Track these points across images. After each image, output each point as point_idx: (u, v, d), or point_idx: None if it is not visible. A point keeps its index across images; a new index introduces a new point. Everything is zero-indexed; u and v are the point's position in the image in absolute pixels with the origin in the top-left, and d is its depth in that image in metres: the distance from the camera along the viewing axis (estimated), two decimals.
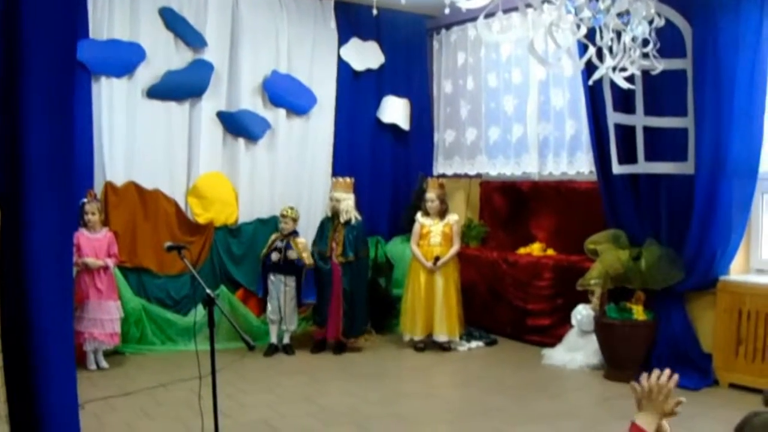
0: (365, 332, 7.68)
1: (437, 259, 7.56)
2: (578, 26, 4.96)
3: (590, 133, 7.17)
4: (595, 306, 6.88)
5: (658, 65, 5.51)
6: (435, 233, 7.65)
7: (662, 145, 6.59)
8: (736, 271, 6.54)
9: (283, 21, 8.31)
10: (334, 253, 7.48)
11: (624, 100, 6.61)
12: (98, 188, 7.22)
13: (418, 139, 9.50)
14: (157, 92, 7.54)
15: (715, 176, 6.22)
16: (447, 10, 5.03)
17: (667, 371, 2.49)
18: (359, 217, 7.64)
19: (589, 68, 5.65)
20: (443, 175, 9.23)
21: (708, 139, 6.23)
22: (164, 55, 7.59)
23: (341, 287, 7.47)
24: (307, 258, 7.46)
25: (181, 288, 7.71)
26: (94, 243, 6.74)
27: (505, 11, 5.75)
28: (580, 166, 7.80)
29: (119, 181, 7.41)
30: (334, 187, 7.71)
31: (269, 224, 7.96)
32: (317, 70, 8.63)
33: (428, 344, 7.69)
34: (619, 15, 4.93)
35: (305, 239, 7.70)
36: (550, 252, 8.01)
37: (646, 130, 6.60)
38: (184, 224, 7.80)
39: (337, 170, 8.48)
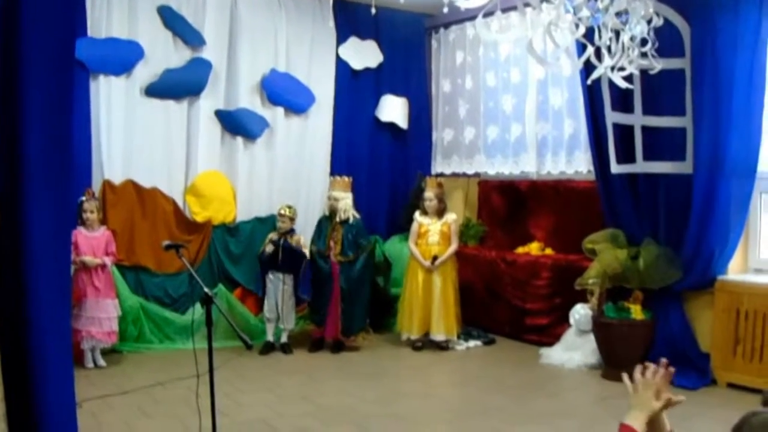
0: (363, 331, 7.66)
1: (435, 258, 7.56)
2: (577, 26, 4.96)
3: (588, 132, 7.17)
4: (593, 305, 6.89)
5: (657, 65, 5.51)
6: (433, 232, 7.65)
7: (660, 144, 6.59)
8: (734, 271, 6.55)
9: (282, 20, 8.31)
10: (333, 252, 7.48)
11: (622, 100, 6.61)
12: (96, 186, 7.22)
13: (417, 138, 9.50)
14: (156, 91, 7.54)
15: (713, 176, 6.23)
16: (446, 9, 5.02)
17: (654, 366, 2.45)
18: (357, 216, 7.64)
19: (588, 68, 5.65)
20: (441, 174, 9.24)
21: (706, 138, 6.24)
22: (163, 54, 7.59)
23: (339, 286, 7.46)
24: (305, 248, 7.48)
25: (179, 286, 7.71)
26: (91, 241, 6.74)
27: (504, 10, 5.74)
28: (579, 165, 7.80)
29: (117, 179, 7.41)
30: (332, 186, 7.71)
31: (267, 223, 7.96)
32: (316, 69, 8.63)
33: (426, 343, 7.69)
34: (618, 14, 4.93)
35: (303, 237, 7.70)
36: (549, 251, 8.02)
37: (645, 129, 6.60)
38: (182, 223, 7.80)
39: (336, 169, 8.48)
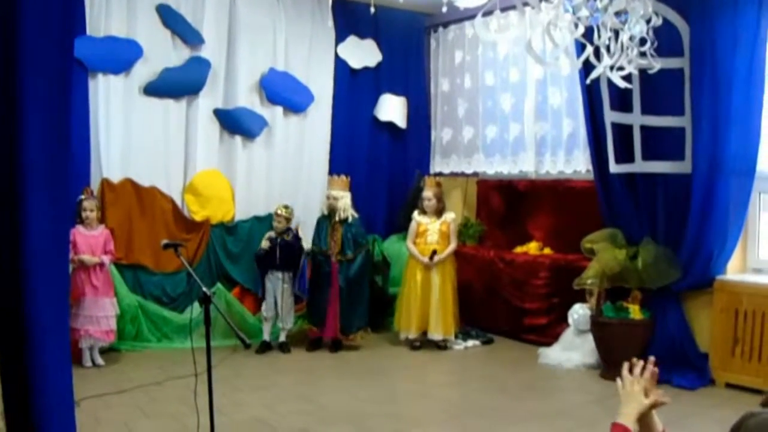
0: (361, 329, 7.66)
1: (434, 252, 7.54)
2: (576, 25, 4.96)
3: (587, 132, 7.17)
4: (591, 305, 6.89)
5: (656, 64, 5.51)
6: (432, 231, 7.65)
7: (659, 144, 6.59)
8: (733, 271, 6.55)
9: (281, 19, 8.31)
10: (332, 252, 7.48)
11: (621, 99, 6.62)
12: (95, 185, 7.22)
13: (415, 138, 9.50)
14: (154, 89, 7.53)
15: (712, 175, 6.23)
16: (445, 9, 5.03)
17: (642, 363, 2.46)
18: (356, 215, 7.64)
19: (587, 67, 5.65)
20: (440, 174, 9.24)
21: (705, 138, 6.24)
22: (161, 53, 7.58)
23: (339, 286, 7.46)
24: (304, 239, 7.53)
25: (178, 285, 7.71)
26: (90, 240, 6.74)
27: (503, 10, 5.75)
28: (577, 165, 7.80)
29: (116, 178, 7.41)
30: (331, 185, 7.71)
31: (266, 222, 7.95)
32: (314, 68, 8.63)
33: (424, 343, 7.69)
34: (617, 14, 4.93)
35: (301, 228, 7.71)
36: (547, 251, 8.02)
37: (644, 129, 6.61)
38: (181, 221, 7.80)
39: (334, 168, 8.47)
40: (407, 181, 9.12)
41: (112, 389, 5.98)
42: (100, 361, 6.77)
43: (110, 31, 7.28)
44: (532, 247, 8.12)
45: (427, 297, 7.59)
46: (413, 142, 9.49)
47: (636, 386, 2.40)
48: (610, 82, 5.88)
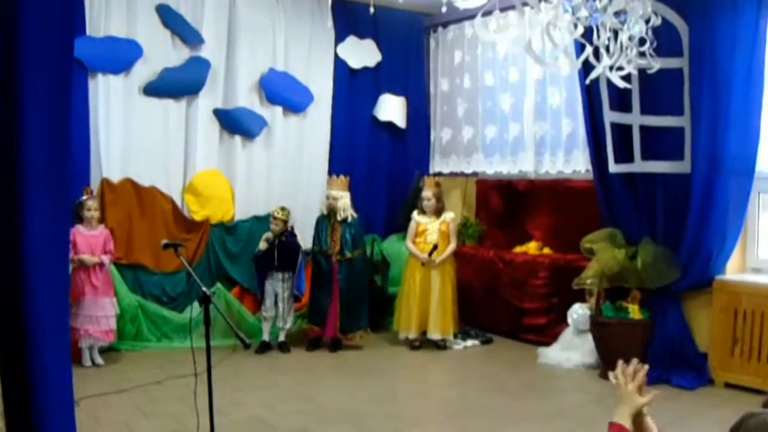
0: (361, 329, 7.66)
1: (435, 247, 7.53)
2: (575, 25, 4.96)
3: (587, 132, 7.17)
4: (591, 305, 6.89)
5: (655, 64, 5.51)
6: (431, 231, 7.65)
7: (659, 144, 6.59)
8: (733, 271, 6.55)
9: (280, 19, 8.31)
10: (332, 252, 7.48)
11: (620, 99, 6.62)
12: (95, 185, 7.22)
13: (415, 137, 9.51)
14: (154, 89, 7.54)
15: (711, 175, 6.23)
16: (444, 9, 5.03)
17: (636, 362, 2.50)
18: (355, 215, 7.65)
19: (586, 67, 5.65)
20: (440, 174, 9.25)
21: (704, 138, 6.24)
22: (161, 53, 7.58)
23: (339, 285, 7.46)
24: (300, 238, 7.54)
25: (177, 285, 7.72)
26: (89, 240, 6.74)
27: (502, 10, 5.74)
28: (577, 164, 7.81)
29: (115, 177, 7.41)
30: (330, 185, 7.71)
31: (265, 222, 7.94)
32: (314, 68, 8.64)
33: (424, 343, 7.69)
34: (616, 14, 4.93)
35: (300, 237, 7.70)
36: (547, 251, 8.03)
37: (643, 129, 6.61)
38: (181, 221, 7.80)
39: (334, 168, 8.48)
40: (407, 181, 9.13)
41: (112, 389, 5.99)
42: (99, 360, 6.77)
43: (110, 31, 7.28)
44: (532, 247, 8.12)
45: (427, 297, 7.59)
46: (413, 142, 9.50)
47: (630, 386, 2.42)
48: (609, 82, 5.88)
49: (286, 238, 7.43)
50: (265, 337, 7.49)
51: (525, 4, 5.34)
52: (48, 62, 3.44)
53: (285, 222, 7.49)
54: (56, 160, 3.51)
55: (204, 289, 4.08)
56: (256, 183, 8.25)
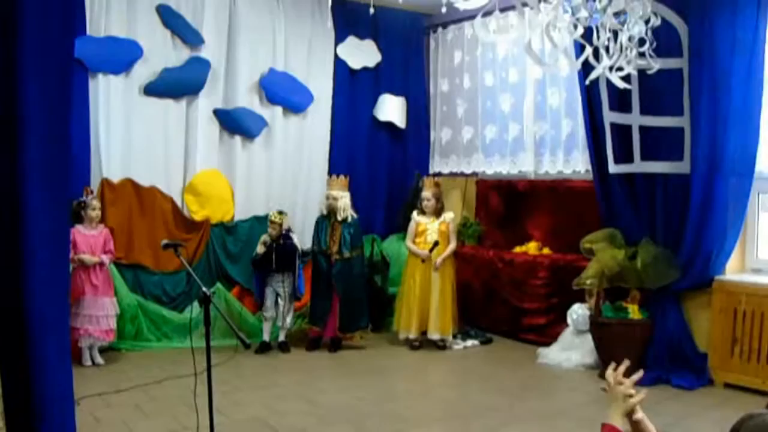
0: (361, 329, 7.66)
1: (435, 245, 7.54)
2: (575, 26, 4.97)
3: (586, 132, 7.17)
4: (590, 305, 6.90)
5: (655, 65, 5.52)
6: (431, 231, 7.65)
7: (658, 144, 6.60)
8: (732, 271, 6.55)
9: (281, 19, 8.32)
10: (332, 252, 7.48)
11: (620, 100, 6.62)
12: (95, 185, 7.22)
13: (415, 138, 9.51)
14: (154, 89, 7.54)
15: (711, 176, 6.24)
16: (444, 10, 5.03)
17: (627, 363, 2.53)
18: (355, 215, 7.65)
19: (586, 68, 5.66)
20: (439, 174, 9.25)
21: (704, 138, 6.25)
22: (161, 53, 7.59)
23: (338, 285, 7.47)
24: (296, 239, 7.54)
25: (177, 285, 7.72)
26: (90, 239, 6.75)
27: (502, 10, 5.75)
28: (576, 165, 7.81)
29: (116, 177, 7.41)
30: (330, 185, 7.71)
31: (265, 222, 7.93)
32: (314, 68, 8.64)
33: (423, 343, 7.70)
34: (616, 15, 4.94)
35: (299, 237, 7.70)
36: (546, 251, 8.03)
37: (642, 129, 6.61)
38: (181, 221, 7.80)
39: (334, 168, 8.48)
40: (406, 181, 9.13)
41: (112, 388, 5.98)
42: (99, 360, 6.78)
43: (110, 32, 7.29)
44: (532, 247, 8.12)
45: (427, 297, 7.59)
46: (412, 142, 9.50)
47: (621, 387, 2.44)
48: (609, 83, 5.89)
49: (284, 241, 7.43)
50: (265, 337, 7.50)
51: (525, 5, 5.34)
52: (48, 62, 3.44)
53: (281, 226, 7.48)
54: (57, 160, 3.52)
55: (204, 289, 4.07)
56: (256, 183, 8.26)
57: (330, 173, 8.30)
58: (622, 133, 6.72)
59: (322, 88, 8.71)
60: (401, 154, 9.44)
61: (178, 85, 7.66)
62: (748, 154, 6.16)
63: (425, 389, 6.46)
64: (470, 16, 7.14)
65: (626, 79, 5.46)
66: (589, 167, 7.30)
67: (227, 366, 6.69)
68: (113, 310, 6.86)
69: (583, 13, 4.86)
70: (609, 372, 2.51)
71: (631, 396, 2.46)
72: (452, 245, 7.69)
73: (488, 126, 8.84)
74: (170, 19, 7.59)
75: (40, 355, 3.46)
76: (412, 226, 7.78)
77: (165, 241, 4.73)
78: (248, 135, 8.13)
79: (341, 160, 8.77)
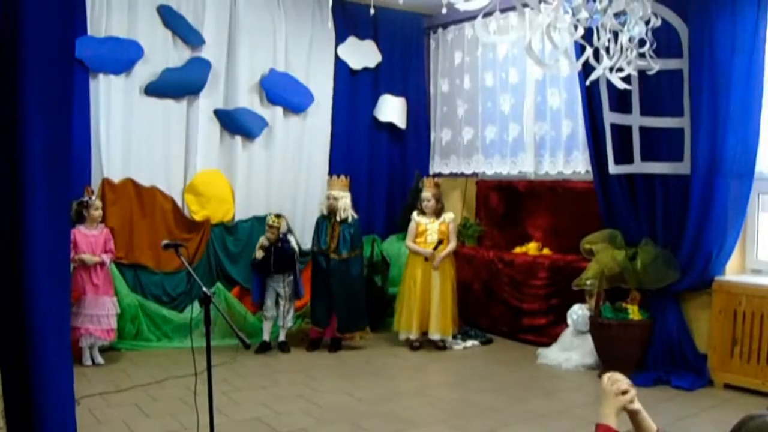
0: (360, 329, 7.66)
1: (439, 243, 7.54)
2: (575, 27, 4.97)
3: (586, 132, 7.17)
4: (590, 306, 6.90)
5: (655, 65, 5.52)
6: (431, 231, 7.66)
7: (658, 145, 6.60)
8: (732, 272, 6.56)
9: (281, 19, 8.32)
10: (332, 252, 7.49)
11: (620, 100, 6.63)
12: (95, 185, 7.23)
13: (415, 138, 9.52)
14: (155, 90, 7.55)
15: (711, 176, 6.24)
16: (444, 10, 5.03)
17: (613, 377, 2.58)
18: (356, 216, 7.65)
19: (586, 68, 5.66)
20: (439, 174, 9.26)
21: (704, 139, 6.24)
22: (162, 53, 7.60)
23: (337, 285, 7.47)
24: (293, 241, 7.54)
25: (178, 285, 7.73)
26: (90, 239, 6.76)
27: (502, 11, 5.75)
28: (577, 165, 7.81)
29: (116, 177, 7.42)
30: (331, 186, 7.71)
31: (265, 222, 7.97)
32: (314, 69, 8.65)
33: (424, 343, 7.70)
34: (616, 15, 4.94)
35: (300, 237, 7.71)
36: (546, 251, 8.03)
37: (643, 130, 6.62)
38: (181, 221, 7.81)
39: (334, 169, 8.48)
40: (407, 182, 9.14)
41: (112, 388, 6.00)
42: (100, 359, 6.78)
43: (111, 32, 7.29)
44: (532, 248, 8.13)
45: (427, 297, 7.60)
46: (413, 142, 9.51)
47: (613, 385, 2.46)
48: (609, 84, 5.89)
49: (282, 245, 7.43)
50: (266, 336, 7.50)
51: (525, 6, 5.34)
52: (49, 62, 3.45)
53: (279, 230, 7.47)
54: (58, 160, 3.53)
55: (204, 289, 4.08)
56: (257, 183, 8.26)
57: (330, 173, 8.29)
58: (622, 133, 6.72)
59: (322, 88, 8.72)
60: (401, 154, 9.45)
61: (179, 85, 7.67)
62: (748, 155, 6.16)
63: (425, 389, 6.45)
64: (471, 16, 7.15)
65: (626, 79, 5.45)
66: (589, 168, 7.30)
67: (227, 366, 6.71)
68: (114, 309, 6.87)
69: (584, 14, 4.85)
70: (605, 377, 2.53)
71: (625, 392, 2.47)
72: (452, 245, 7.69)
73: (488, 126, 8.84)
74: (171, 19, 7.59)
75: (40, 355, 3.47)
76: (412, 226, 7.78)
77: (165, 242, 4.74)
78: (249, 135, 8.14)
79: (341, 160, 8.77)
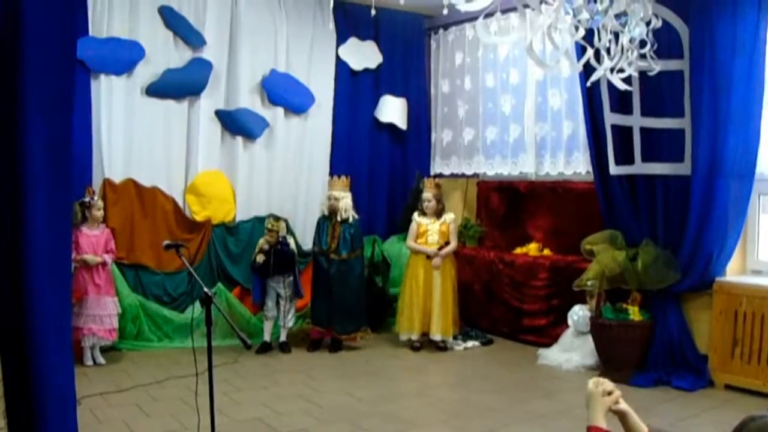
0: (361, 330, 7.67)
1: (445, 244, 7.56)
2: (576, 28, 4.97)
3: (587, 133, 7.17)
4: (591, 306, 6.90)
5: (656, 66, 5.52)
6: (432, 232, 7.66)
7: (659, 146, 6.60)
8: (733, 272, 6.56)
9: (282, 20, 8.33)
10: (331, 251, 7.49)
11: (621, 101, 6.63)
12: (96, 185, 7.24)
13: (416, 139, 9.52)
14: (156, 90, 7.56)
15: (711, 177, 6.24)
16: (445, 11, 5.03)
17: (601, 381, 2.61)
18: (357, 216, 7.66)
19: (587, 69, 5.66)
20: (440, 175, 9.26)
21: (705, 140, 6.24)
22: (163, 54, 7.61)
23: (337, 285, 7.47)
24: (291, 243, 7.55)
25: (179, 285, 7.73)
26: (92, 239, 6.77)
27: (503, 12, 5.76)
28: (577, 166, 7.81)
29: (117, 178, 7.43)
30: (332, 186, 7.71)
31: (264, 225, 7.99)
32: (315, 70, 8.66)
33: (424, 343, 7.70)
34: (617, 16, 4.94)
35: (301, 238, 7.71)
36: (547, 252, 8.03)
37: (643, 131, 6.62)
38: (182, 222, 7.82)
39: (335, 169, 8.48)
40: (407, 182, 9.15)
41: (113, 388, 6.01)
42: (101, 359, 6.79)
43: (113, 33, 7.30)
44: (532, 249, 8.13)
45: (429, 298, 7.60)
46: (413, 143, 9.51)
47: (599, 387, 2.52)
48: (610, 84, 5.89)
49: (281, 247, 7.43)
50: (266, 337, 7.50)
51: (526, 7, 5.35)
52: (50, 63, 3.45)
53: (278, 233, 7.47)
54: (59, 161, 3.53)
55: (206, 289, 4.08)
56: (258, 184, 8.27)
57: (331, 174, 8.31)
58: (622, 134, 6.72)
59: (323, 89, 8.72)
60: (402, 155, 9.45)
61: (180, 85, 7.68)
62: (748, 156, 6.17)
63: (425, 390, 6.46)
64: (472, 17, 7.15)
65: (627, 80, 5.46)
66: (590, 168, 7.30)
67: (228, 366, 6.71)
68: (115, 309, 6.89)
69: (585, 15, 4.86)
70: (590, 381, 2.58)
71: (610, 393, 2.50)
72: (452, 245, 7.69)
73: (489, 127, 8.85)
74: (172, 20, 7.60)
75: (41, 355, 3.47)
76: (413, 227, 7.79)
77: (167, 242, 4.74)
78: (250, 136, 8.14)
79: (342, 160, 8.78)
